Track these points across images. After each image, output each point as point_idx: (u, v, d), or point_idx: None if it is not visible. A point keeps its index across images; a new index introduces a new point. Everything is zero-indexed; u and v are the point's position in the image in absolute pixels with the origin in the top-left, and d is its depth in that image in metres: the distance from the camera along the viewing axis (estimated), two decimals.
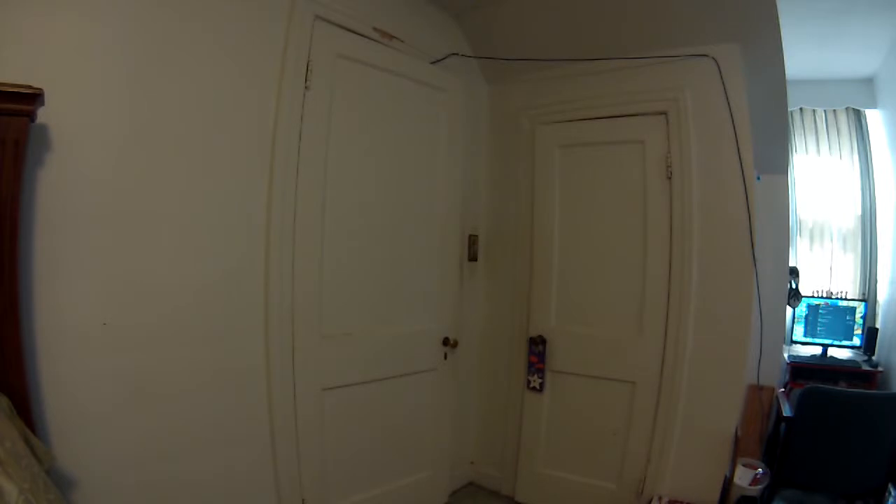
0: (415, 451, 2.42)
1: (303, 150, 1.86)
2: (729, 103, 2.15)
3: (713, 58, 2.18)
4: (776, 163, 2.65)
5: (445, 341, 2.47)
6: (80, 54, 1.37)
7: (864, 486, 2.18)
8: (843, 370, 3.02)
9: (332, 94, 1.98)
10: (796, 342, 3.29)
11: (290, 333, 1.85)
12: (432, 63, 2.42)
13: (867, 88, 3.45)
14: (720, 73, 2.17)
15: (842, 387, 2.79)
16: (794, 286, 3.07)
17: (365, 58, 2.11)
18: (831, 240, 3.56)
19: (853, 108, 3.53)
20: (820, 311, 3.24)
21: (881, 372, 2.94)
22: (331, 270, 2.00)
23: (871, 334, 3.11)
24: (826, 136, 3.60)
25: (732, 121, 2.15)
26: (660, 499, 2.20)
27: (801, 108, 3.62)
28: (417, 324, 2.37)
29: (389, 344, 2.25)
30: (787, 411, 2.38)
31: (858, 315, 3.16)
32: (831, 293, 3.39)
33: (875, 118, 3.46)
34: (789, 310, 3.19)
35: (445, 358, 2.47)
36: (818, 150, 3.63)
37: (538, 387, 2.58)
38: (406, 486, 2.37)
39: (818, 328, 3.24)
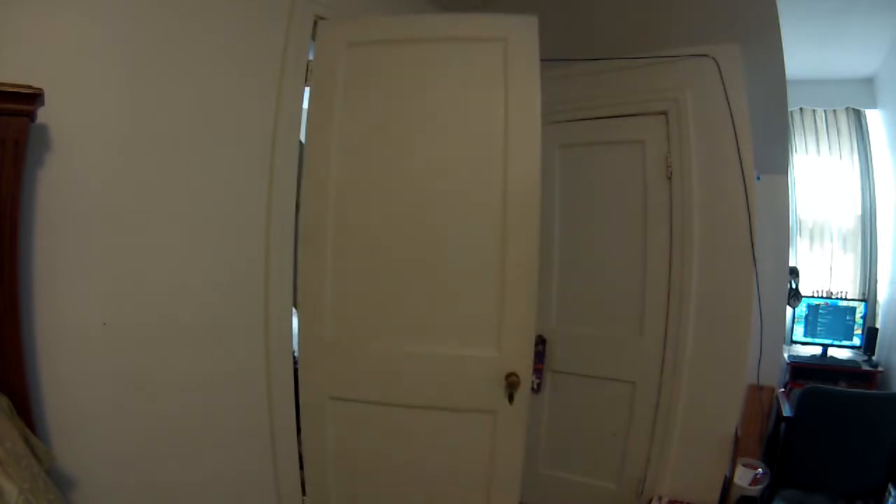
0: None
1: (306, 148, 1.86)
2: (729, 103, 2.16)
3: (713, 58, 2.18)
4: (776, 163, 2.65)
5: (510, 378, 1.71)
6: (80, 54, 1.36)
7: (864, 486, 2.18)
8: (843, 370, 3.03)
9: (341, 88, 1.81)
10: (796, 342, 3.29)
11: (290, 335, 1.85)
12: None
13: (867, 88, 3.45)
14: (720, 73, 2.17)
15: (842, 387, 2.79)
16: (794, 286, 3.07)
17: (381, 36, 1.82)
18: (831, 240, 3.56)
19: (853, 108, 3.54)
20: (820, 311, 3.24)
21: (881, 372, 2.94)
22: (340, 272, 1.80)
23: (871, 334, 3.12)
24: (826, 136, 3.61)
25: (732, 121, 2.15)
26: (660, 499, 2.20)
27: (801, 108, 3.62)
28: (465, 348, 1.76)
29: (419, 366, 1.80)
30: (787, 411, 2.39)
31: (858, 315, 3.16)
32: (831, 293, 3.39)
33: (875, 118, 3.46)
34: (789, 310, 3.19)
35: (511, 401, 1.69)
36: (818, 150, 3.63)
37: (535, 387, 2.58)
38: None
39: (818, 328, 3.24)
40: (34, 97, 1.14)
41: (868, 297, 3.32)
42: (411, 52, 1.80)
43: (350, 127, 1.81)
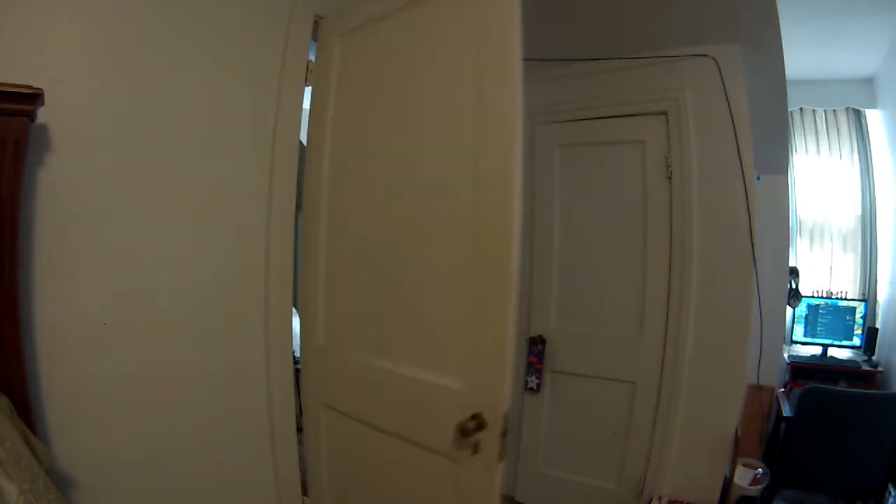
0: None
1: (307, 149, 1.86)
2: (729, 103, 2.15)
3: (713, 58, 2.18)
4: (776, 163, 2.65)
5: (467, 423, 1.23)
6: (80, 54, 1.37)
7: (864, 486, 2.18)
8: (843, 370, 3.03)
9: (334, 83, 1.74)
10: (796, 342, 3.29)
11: (290, 335, 1.85)
12: None
13: (867, 88, 3.45)
14: (720, 73, 2.17)
15: (842, 387, 2.79)
16: (794, 286, 3.08)
17: (366, 17, 1.64)
18: (831, 240, 3.56)
19: (853, 108, 3.54)
20: (820, 311, 3.24)
21: (881, 372, 2.94)
22: (331, 276, 1.74)
23: (871, 334, 3.12)
24: (826, 136, 3.61)
25: (732, 121, 2.15)
26: (660, 499, 2.20)
27: (801, 108, 3.62)
28: (432, 373, 1.40)
29: (389, 386, 1.53)
30: (787, 411, 2.39)
31: (858, 315, 3.16)
32: (831, 293, 3.39)
33: (875, 118, 3.46)
34: (789, 310, 3.19)
35: (475, 452, 1.26)
36: (818, 150, 3.63)
37: (535, 387, 2.58)
38: None
39: (818, 328, 3.24)
40: (34, 97, 1.14)
41: (868, 297, 3.32)
42: (389, 28, 1.58)
43: (340, 124, 1.74)
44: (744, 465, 2.26)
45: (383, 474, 1.60)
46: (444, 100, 1.42)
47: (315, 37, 1.86)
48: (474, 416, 1.24)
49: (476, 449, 1.25)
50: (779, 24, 2.07)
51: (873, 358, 3.07)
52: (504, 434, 1.22)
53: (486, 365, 1.28)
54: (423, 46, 1.49)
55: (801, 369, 3.07)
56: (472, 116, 1.33)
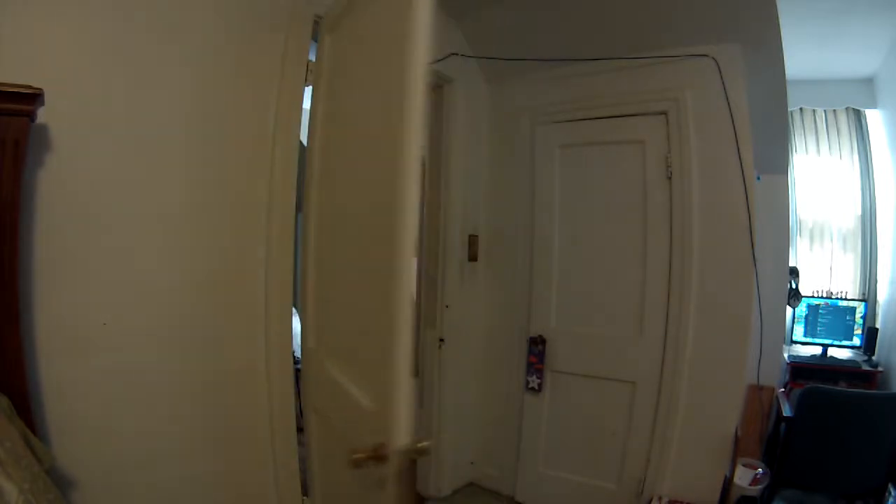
0: None
1: (306, 149, 1.85)
2: (729, 103, 2.15)
3: (713, 58, 2.18)
4: (776, 163, 2.66)
5: (373, 452, 1.03)
6: (80, 54, 1.36)
7: (864, 486, 2.18)
8: (843, 370, 3.03)
9: (325, 81, 1.70)
10: (796, 342, 3.29)
11: (290, 335, 1.84)
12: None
13: (867, 88, 3.45)
14: (720, 73, 2.17)
15: (842, 387, 2.79)
16: (794, 286, 3.08)
17: (341, 8, 1.58)
18: (831, 240, 3.56)
19: (853, 108, 3.54)
20: (820, 311, 3.24)
21: (881, 372, 2.94)
22: (321, 279, 1.66)
23: (871, 334, 3.12)
24: (826, 136, 3.60)
25: (732, 121, 2.15)
26: (660, 499, 2.20)
27: (801, 108, 3.62)
28: (357, 386, 1.27)
29: (342, 397, 1.39)
30: (787, 411, 2.38)
31: (858, 315, 3.16)
32: (831, 293, 3.39)
33: (875, 118, 3.46)
34: (789, 310, 3.19)
35: (381, 488, 1.04)
36: (818, 150, 3.63)
37: (536, 387, 2.58)
38: None
39: (818, 328, 3.24)
40: (34, 97, 1.14)
41: (868, 297, 3.32)
42: (346, 23, 1.52)
43: (328, 124, 1.67)
44: (744, 465, 2.26)
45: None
46: (367, 101, 1.32)
47: (315, 37, 1.86)
48: (378, 446, 1.03)
49: (382, 485, 1.03)
50: (779, 24, 2.07)
51: (873, 358, 3.07)
52: (400, 473, 0.99)
53: (387, 390, 1.05)
54: (358, 43, 1.42)
55: (801, 369, 3.07)
56: (382, 121, 1.17)
